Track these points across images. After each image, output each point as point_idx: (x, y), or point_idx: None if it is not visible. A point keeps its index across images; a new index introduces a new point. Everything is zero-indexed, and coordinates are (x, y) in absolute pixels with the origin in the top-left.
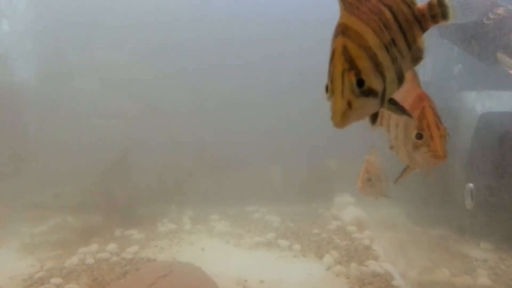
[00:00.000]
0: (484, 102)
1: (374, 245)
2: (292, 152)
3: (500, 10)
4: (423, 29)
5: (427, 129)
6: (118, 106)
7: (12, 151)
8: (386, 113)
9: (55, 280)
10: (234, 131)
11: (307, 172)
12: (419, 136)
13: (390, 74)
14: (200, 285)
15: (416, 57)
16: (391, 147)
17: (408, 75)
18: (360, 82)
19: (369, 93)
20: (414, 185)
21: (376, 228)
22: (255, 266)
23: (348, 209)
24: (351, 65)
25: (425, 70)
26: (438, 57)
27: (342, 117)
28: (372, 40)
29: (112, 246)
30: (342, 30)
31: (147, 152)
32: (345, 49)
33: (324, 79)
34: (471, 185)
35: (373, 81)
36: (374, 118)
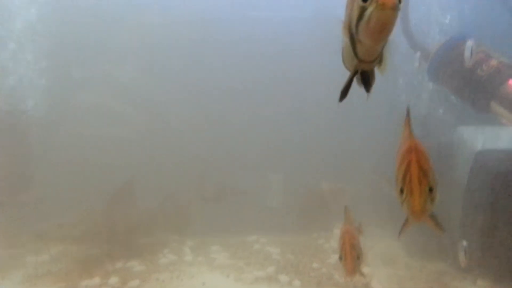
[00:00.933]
0: (480, 138)
1: (373, 282)
2: (292, 180)
3: (494, 62)
4: None
5: (408, 184)
6: (120, 134)
7: (15, 180)
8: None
9: None
10: (235, 158)
11: (307, 200)
12: (401, 191)
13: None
14: None
15: None
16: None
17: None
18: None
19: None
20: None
21: (375, 263)
22: None
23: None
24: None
25: (423, 103)
26: (436, 92)
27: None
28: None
29: (114, 280)
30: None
31: (149, 181)
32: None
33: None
34: (464, 243)
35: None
36: None
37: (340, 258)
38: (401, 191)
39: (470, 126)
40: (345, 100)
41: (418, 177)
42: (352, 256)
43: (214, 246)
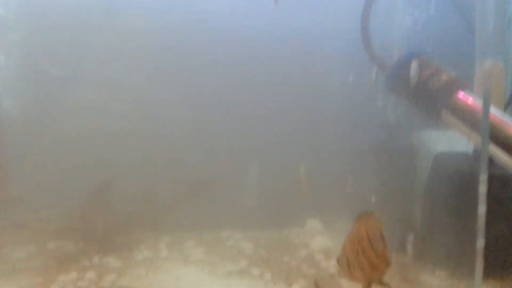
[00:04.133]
0: (439, 141)
1: (337, 273)
2: (266, 178)
3: (444, 76)
4: None
5: None
6: (96, 134)
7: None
8: None
9: None
10: (210, 153)
11: (279, 196)
12: None
13: None
14: None
15: None
16: None
17: None
18: None
19: None
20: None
21: (336, 255)
22: None
23: (316, 237)
24: None
25: (389, 110)
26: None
27: None
28: None
29: (90, 274)
30: None
31: (125, 180)
32: None
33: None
34: (411, 236)
35: None
36: None
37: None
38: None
39: (430, 130)
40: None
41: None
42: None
43: (189, 242)
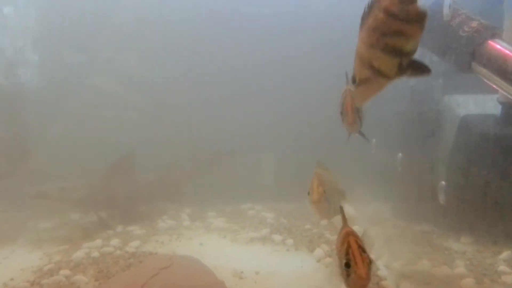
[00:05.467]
0: (465, 106)
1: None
2: (285, 151)
3: (474, 24)
4: None
5: (352, 257)
6: (122, 108)
7: (21, 147)
8: None
9: (64, 272)
10: (229, 131)
11: (300, 170)
12: (348, 265)
13: None
14: (200, 276)
15: None
16: None
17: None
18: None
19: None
20: (401, 184)
21: (364, 224)
22: (251, 259)
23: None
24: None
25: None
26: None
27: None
28: None
29: (115, 241)
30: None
31: (148, 152)
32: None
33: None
34: (443, 182)
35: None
36: None
37: (308, 193)
38: (346, 265)
39: (455, 95)
40: None
41: (359, 251)
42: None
43: (210, 213)
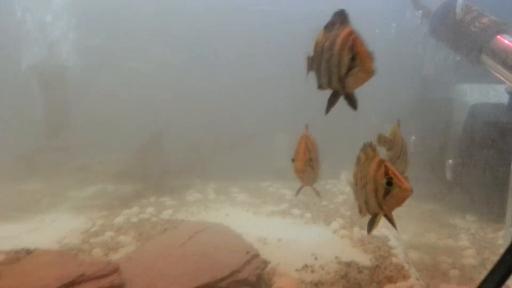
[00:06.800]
0: (474, 94)
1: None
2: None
3: (485, 20)
4: None
5: (393, 175)
6: (155, 90)
7: (64, 123)
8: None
9: (109, 234)
10: (250, 114)
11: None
12: (390, 183)
13: None
14: (230, 240)
15: None
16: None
17: None
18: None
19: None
20: (415, 166)
21: None
22: (273, 229)
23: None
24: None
25: (427, 64)
26: (438, 53)
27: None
28: None
29: (150, 209)
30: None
31: (177, 131)
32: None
33: None
34: (450, 161)
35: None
36: None
37: (293, 160)
38: (388, 183)
39: (466, 84)
40: None
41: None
42: (304, 157)
43: (233, 188)
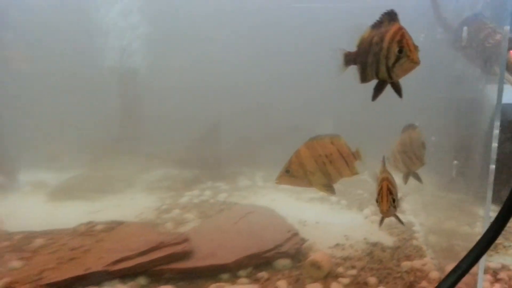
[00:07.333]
0: (506, 95)
1: (404, 203)
2: (344, 126)
3: (498, 37)
4: None
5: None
6: (211, 89)
7: (136, 117)
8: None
9: (176, 211)
10: (296, 108)
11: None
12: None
13: None
14: (274, 221)
15: None
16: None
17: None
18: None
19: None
20: (444, 159)
21: (408, 191)
22: (312, 213)
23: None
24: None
25: (457, 67)
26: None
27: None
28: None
29: (208, 192)
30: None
31: (229, 125)
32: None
33: None
34: (455, 162)
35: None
36: None
37: (377, 201)
38: (376, 200)
39: (494, 84)
40: None
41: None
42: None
43: None
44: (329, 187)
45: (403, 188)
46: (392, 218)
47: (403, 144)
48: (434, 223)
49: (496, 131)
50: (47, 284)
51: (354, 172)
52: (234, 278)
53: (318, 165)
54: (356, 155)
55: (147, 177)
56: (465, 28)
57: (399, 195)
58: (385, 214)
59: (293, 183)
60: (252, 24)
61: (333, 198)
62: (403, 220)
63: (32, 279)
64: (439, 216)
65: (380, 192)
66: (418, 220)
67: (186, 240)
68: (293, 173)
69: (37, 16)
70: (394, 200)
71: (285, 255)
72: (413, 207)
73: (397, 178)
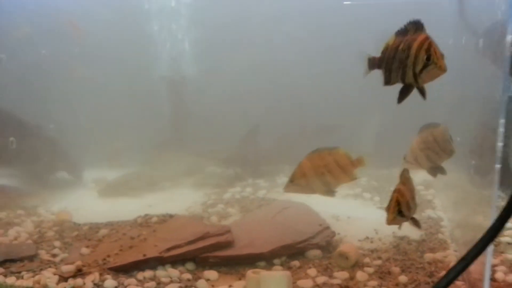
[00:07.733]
0: None
1: (435, 200)
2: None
3: None
4: None
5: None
6: (253, 92)
7: (184, 120)
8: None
9: (220, 206)
10: (334, 108)
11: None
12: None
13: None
14: (308, 215)
15: None
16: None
17: None
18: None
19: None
20: (477, 156)
21: (440, 188)
22: (345, 209)
23: (420, 173)
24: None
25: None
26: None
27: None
28: None
29: (249, 189)
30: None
31: (269, 125)
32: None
33: None
34: (473, 161)
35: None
36: None
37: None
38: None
39: None
40: None
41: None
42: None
43: None
44: (329, 192)
45: (436, 186)
46: (422, 215)
47: (425, 141)
48: (461, 218)
49: (501, 130)
50: (111, 268)
51: (352, 178)
52: (269, 266)
53: (318, 175)
54: (357, 163)
55: (194, 175)
56: (480, 41)
57: (432, 191)
58: (388, 223)
59: (298, 191)
60: (298, 24)
61: (367, 195)
62: (434, 215)
63: (98, 264)
64: (467, 212)
65: (389, 202)
66: (447, 215)
67: (228, 231)
68: (297, 183)
69: (102, 26)
70: (401, 212)
71: (316, 246)
72: (444, 203)
73: (420, 176)
